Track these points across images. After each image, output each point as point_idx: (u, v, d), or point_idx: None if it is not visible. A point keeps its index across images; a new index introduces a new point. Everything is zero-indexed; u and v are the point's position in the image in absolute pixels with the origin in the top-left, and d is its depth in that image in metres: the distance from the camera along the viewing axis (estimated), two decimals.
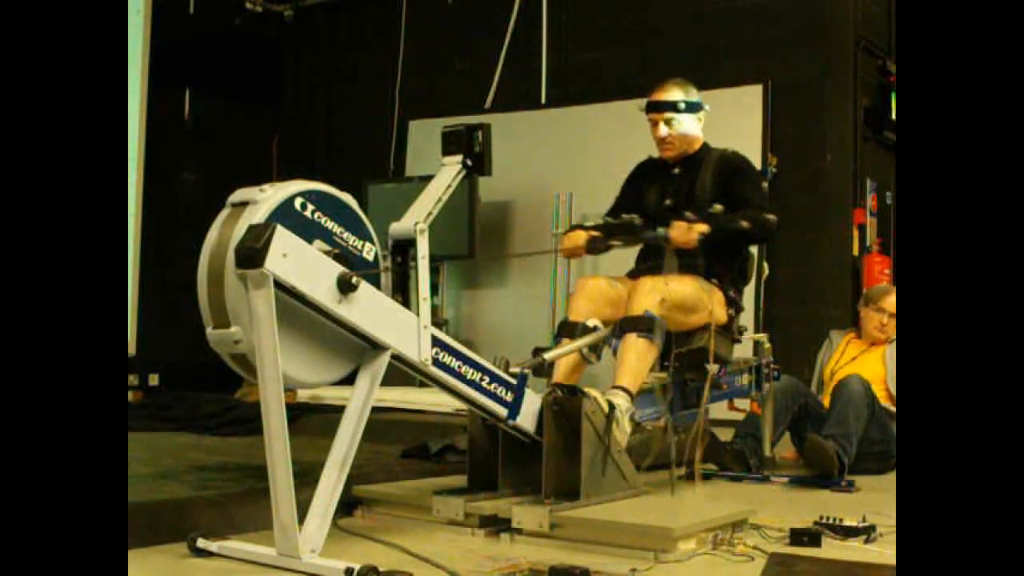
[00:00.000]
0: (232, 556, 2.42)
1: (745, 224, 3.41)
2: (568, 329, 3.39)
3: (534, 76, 6.54)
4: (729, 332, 3.60)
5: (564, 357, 3.29)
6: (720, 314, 3.48)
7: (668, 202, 3.63)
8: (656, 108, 3.65)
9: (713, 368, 3.41)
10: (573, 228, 3.63)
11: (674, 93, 3.64)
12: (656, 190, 3.69)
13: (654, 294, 3.29)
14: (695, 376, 3.44)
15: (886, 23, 6.00)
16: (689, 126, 3.66)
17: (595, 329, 3.34)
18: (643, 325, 3.24)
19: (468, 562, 2.43)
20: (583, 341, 3.28)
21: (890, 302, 4.44)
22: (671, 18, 6.11)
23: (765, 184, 3.70)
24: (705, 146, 3.71)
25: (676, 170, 3.70)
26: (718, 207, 3.41)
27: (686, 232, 3.30)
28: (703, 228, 3.30)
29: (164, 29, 6.41)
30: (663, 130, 3.63)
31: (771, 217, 3.48)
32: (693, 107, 3.66)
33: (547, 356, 3.12)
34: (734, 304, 3.61)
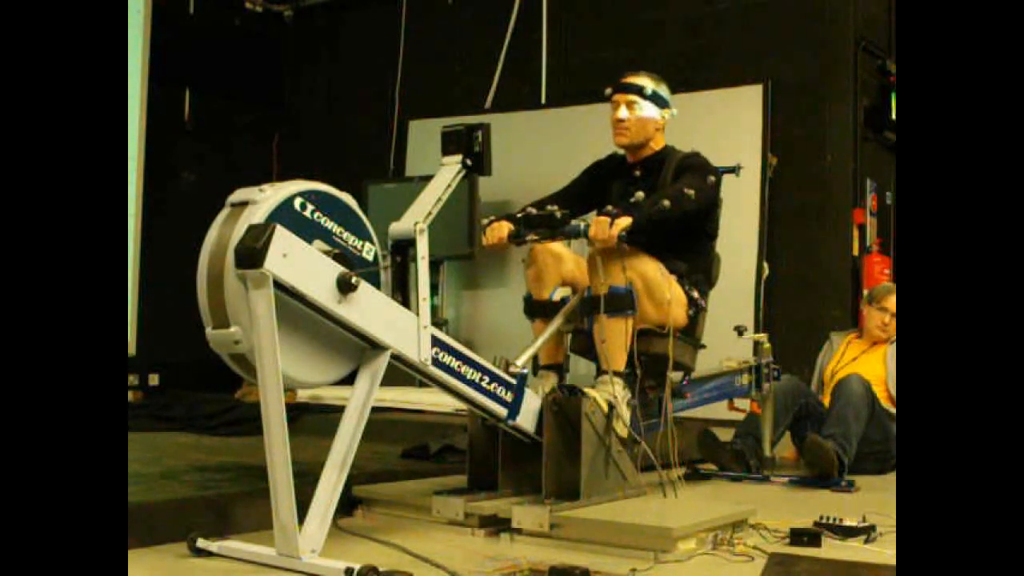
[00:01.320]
0: (232, 556, 2.42)
1: (665, 203, 3.11)
2: (536, 309, 3.32)
3: (534, 76, 6.54)
4: (691, 337, 3.41)
5: (542, 341, 3.22)
6: (678, 314, 3.30)
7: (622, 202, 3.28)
8: (621, 89, 3.50)
9: (675, 376, 3.25)
10: (500, 218, 3.37)
11: (643, 80, 3.51)
12: (618, 189, 3.52)
13: (613, 262, 3.09)
14: (655, 384, 3.28)
15: (886, 23, 5.99)
16: (649, 114, 3.47)
17: (563, 301, 3.27)
18: (613, 304, 3.09)
19: (468, 562, 2.43)
20: (553, 326, 3.23)
21: (893, 301, 4.43)
22: (671, 18, 6.11)
23: (713, 179, 3.46)
24: (668, 148, 3.55)
25: (637, 172, 3.54)
26: (640, 194, 3.16)
27: (606, 229, 3.00)
28: (624, 223, 3.01)
29: (164, 29, 6.42)
30: (622, 112, 3.47)
31: (688, 191, 3.21)
32: (658, 99, 3.49)
33: (519, 362, 2.97)
34: (695, 305, 3.39)
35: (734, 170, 3.74)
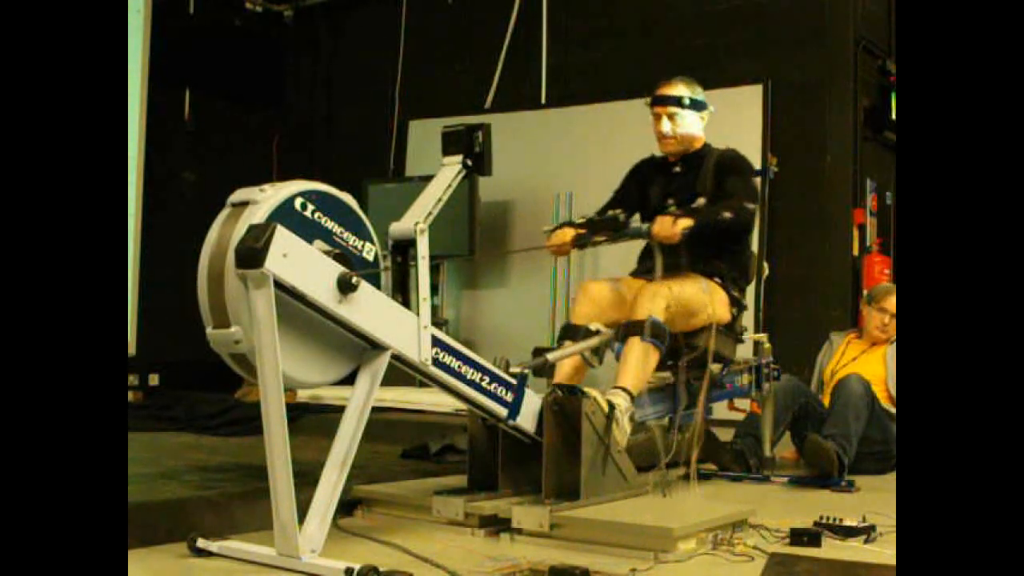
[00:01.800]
0: (232, 556, 2.42)
1: (727, 214, 3.37)
2: (571, 332, 3.38)
3: (534, 76, 6.54)
4: (732, 331, 3.60)
5: (566, 360, 3.29)
6: (723, 313, 3.48)
7: (671, 201, 3.60)
8: (661, 102, 3.63)
9: (715, 368, 3.39)
10: (561, 225, 3.62)
11: (680, 89, 3.63)
12: (658, 189, 3.68)
13: (659, 298, 3.28)
14: (698, 375, 3.44)
15: (886, 23, 5.99)
16: (691, 123, 3.65)
17: (598, 333, 3.34)
18: (647, 330, 3.23)
19: (468, 562, 2.43)
20: (585, 344, 3.28)
21: (892, 302, 4.43)
22: (671, 18, 6.11)
23: (757, 180, 3.67)
24: (707, 146, 3.70)
25: (677, 168, 3.69)
26: (701, 200, 3.39)
27: (669, 227, 3.27)
28: (686, 223, 3.27)
29: (164, 29, 6.41)
30: (665, 125, 3.62)
31: (749, 205, 3.45)
32: (697, 105, 3.65)
33: (550, 357, 3.12)
34: (737, 303, 3.60)
35: (763, 172, 3.85)
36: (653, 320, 3.24)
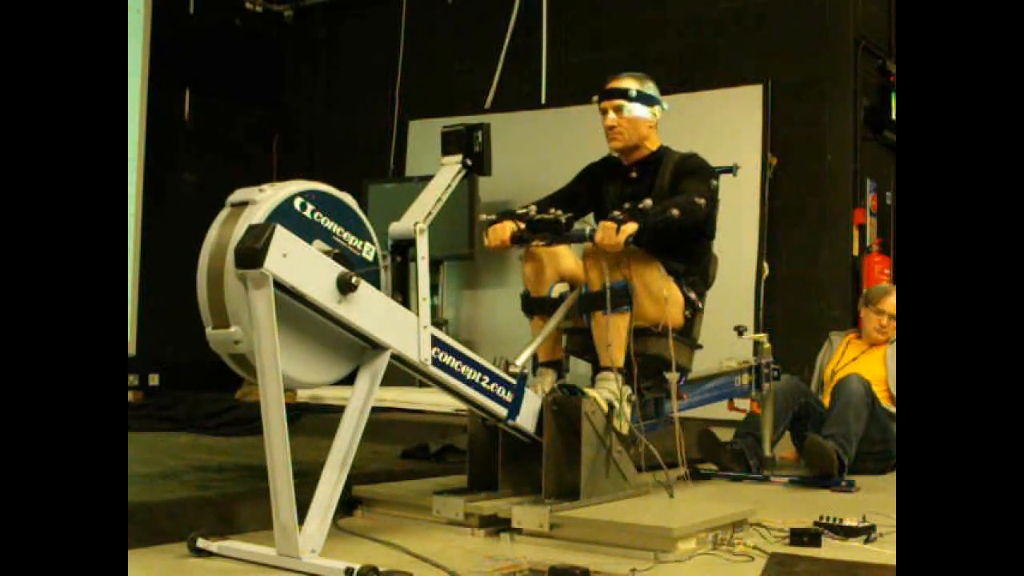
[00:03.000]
0: (232, 556, 2.42)
1: (675, 211, 3.09)
2: (532, 307, 3.31)
3: (534, 76, 6.54)
4: (688, 337, 3.40)
5: (542, 338, 3.22)
6: (675, 314, 3.29)
7: (627, 206, 3.21)
8: (606, 96, 3.46)
9: (673, 376, 3.24)
10: (502, 216, 3.34)
11: (627, 82, 3.46)
12: (614, 191, 3.49)
13: (608, 257, 3.08)
14: (651, 384, 3.27)
15: (886, 23, 6.00)
16: (639, 115, 3.43)
17: (561, 298, 3.25)
18: (612, 300, 3.08)
19: (468, 562, 2.43)
20: (552, 322, 3.21)
21: (889, 303, 4.44)
22: (671, 18, 6.11)
23: (716, 182, 3.46)
24: (663, 149, 3.50)
25: (633, 174, 3.50)
26: (648, 201, 3.12)
27: (612, 235, 2.99)
28: (631, 229, 3.00)
29: (164, 29, 6.42)
30: (611, 117, 3.43)
31: (700, 200, 3.20)
32: (645, 98, 3.45)
33: (519, 363, 2.97)
34: (692, 306, 3.38)
35: (731, 170, 3.73)
36: (611, 286, 3.08)
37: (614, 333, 3.11)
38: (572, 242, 3.27)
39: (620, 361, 3.12)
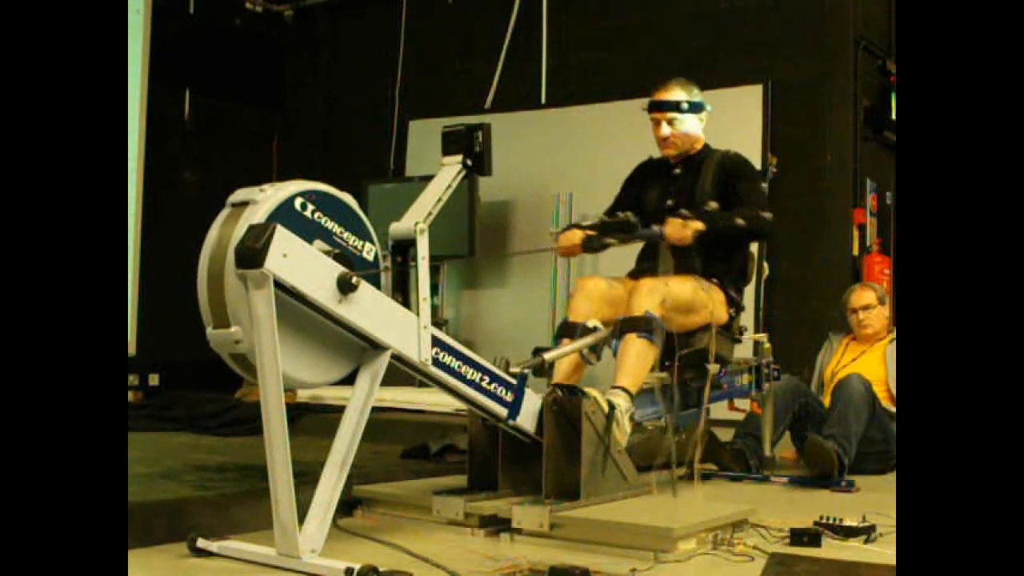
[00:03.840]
0: (232, 556, 2.42)
1: (741, 221, 3.40)
2: (568, 330, 3.38)
3: (534, 76, 6.54)
4: (730, 332, 3.60)
5: (564, 358, 3.29)
6: (720, 313, 3.48)
7: (669, 202, 3.61)
8: (659, 107, 3.64)
9: (714, 368, 3.40)
10: (570, 227, 3.62)
11: (677, 93, 3.64)
12: (657, 190, 3.69)
13: (654, 295, 3.28)
14: (695, 376, 3.43)
15: (886, 23, 6.00)
16: (691, 126, 3.66)
17: (595, 330, 3.33)
18: (643, 326, 3.23)
19: (468, 562, 2.43)
20: (583, 342, 3.28)
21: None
22: (671, 18, 6.11)
23: (765, 185, 3.69)
24: (706, 147, 3.71)
25: (677, 170, 3.70)
26: (713, 204, 3.41)
27: (681, 229, 3.30)
28: (698, 226, 3.30)
29: (164, 29, 6.41)
30: (665, 130, 3.63)
31: (767, 215, 3.48)
32: (696, 107, 3.66)
33: (547, 357, 3.11)
34: (734, 303, 3.61)
35: (763, 173, 3.84)
36: (649, 315, 3.24)
37: (636, 357, 3.22)
38: (644, 240, 3.52)
39: (633, 387, 3.20)
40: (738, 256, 3.67)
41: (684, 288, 3.39)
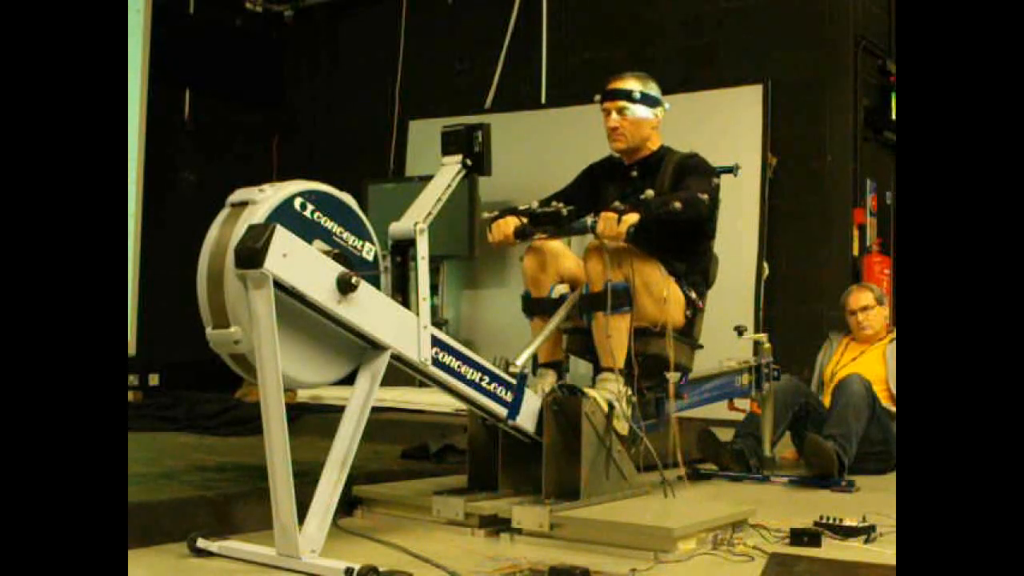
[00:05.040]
0: (232, 556, 2.42)
1: (677, 204, 3.10)
2: (535, 307, 3.30)
3: (534, 76, 6.54)
4: (689, 337, 3.41)
5: (543, 339, 3.20)
6: (675, 313, 3.30)
7: (629, 199, 3.26)
8: (609, 96, 3.45)
9: (674, 376, 3.25)
10: (504, 213, 3.36)
11: (630, 83, 3.46)
12: (612, 191, 3.47)
13: (603, 254, 3.09)
14: (652, 384, 3.26)
15: (886, 23, 6.00)
16: (642, 115, 3.43)
17: (562, 299, 3.24)
18: (609, 300, 3.08)
19: (468, 562, 2.43)
20: (556, 320, 3.19)
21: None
22: (671, 18, 6.11)
23: (717, 181, 3.45)
24: (664, 148, 3.50)
25: (634, 173, 3.50)
26: (649, 192, 3.14)
27: (614, 225, 3.00)
28: (632, 219, 3.00)
29: (164, 29, 6.42)
30: (614, 119, 3.43)
31: (702, 196, 3.20)
32: (649, 99, 3.44)
33: (519, 363, 2.95)
34: (693, 306, 3.39)
35: (732, 170, 3.74)
36: (612, 287, 3.08)
37: (614, 334, 3.11)
38: (574, 234, 3.29)
39: (620, 362, 3.12)
40: (701, 258, 3.49)
41: (643, 260, 3.18)
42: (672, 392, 3.26)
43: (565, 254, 3.32)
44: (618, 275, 3.10)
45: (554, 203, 3.25)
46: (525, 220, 3.25)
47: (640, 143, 3.48)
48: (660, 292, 3.22)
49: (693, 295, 3.40)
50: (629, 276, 3.11)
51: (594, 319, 3.15)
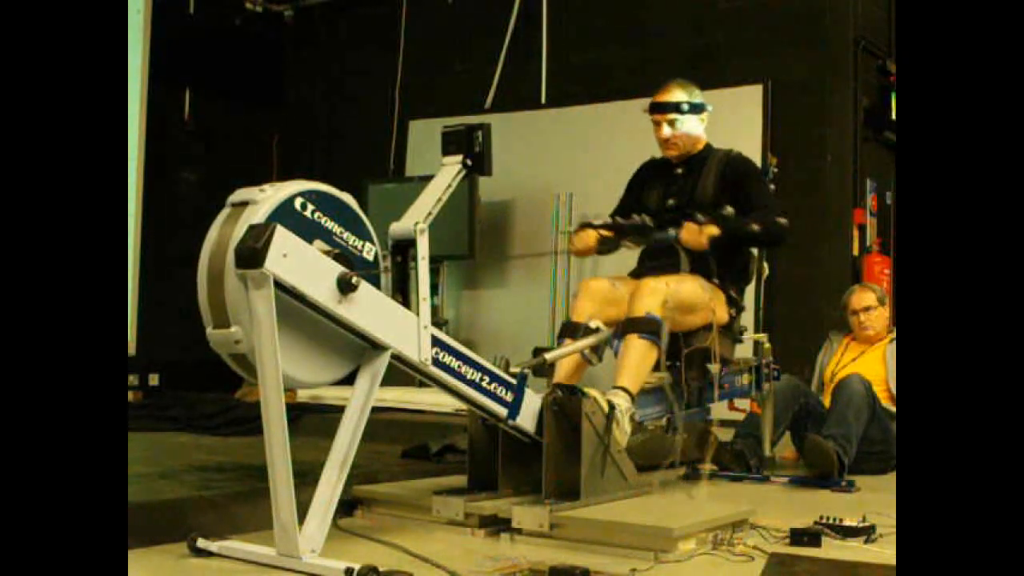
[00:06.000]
0: (232, 556, 2.42)
1: (756, 227, 3.41)
2: (570, 330, 3.38)
3: (534, 76, 6.54)
4: (731, 332, 3.61)
5: (565, 359, 3.29)
6: (722, 314, 3.49)
7: (671, 202, 3.63)
8: (660, 109, 3.65)
9: (716, 367, 3.41)
10: (583, 227, 3.62)
11: (677, 94, 3.66)
12: (659, 190, 3.69)
13: (656, 295, 3.29)
14: (696, 375, 3.43)
15: (886, 23, 5.99)
16: (692, 127, 3.67)
17: (597, 330, 3.33)
18: (645, 326, 3.24)
19: (468, 562, 2.43)
20: (584, 342, 3.28)
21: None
22: (671, 18, 6.11)
23: (772, 185, 3.69)
24: (708, 147, 3.72)
25: (679, 170, 3.70)
26: (729, 209, 3.41)
27: (697, 234, 3.32)
28: (714, 231, 3.32)
29: (164, 29, 6.41)
30: (666, 131, 3.64)
31: (783, 221, 3.49)
32: (696, 108, 3.67)
33: (548, 357, 3.11)
34: (735, 304, 3.62)
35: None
36: (650, 316, 3.24)
37: (638, 358, 3.23)
38: (658, 244, 3.52)
39: (634, 388, 3.21)
40: (740, 256, 3.67)
41: (686, 288, 3.39)
42: (715, 382, 3.44)
43: (621, 303, 3.43)
44: (660, 312, 3.26)
45: (635, 216, 3.50)
46: (607, 232, 3.50)
47: (692, 148, 3.69)
48: (705, 305, 3.41)
49: (733, 293, 3.61)
50: (669, 304, 3.28)
51: (624, 341, 3.27)
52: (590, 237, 3.51)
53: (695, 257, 3.46)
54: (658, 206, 3.62)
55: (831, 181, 5.64)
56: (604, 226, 3.52)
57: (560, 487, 2.85)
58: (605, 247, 3.49)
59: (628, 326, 3.28)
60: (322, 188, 2.52)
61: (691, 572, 2.42)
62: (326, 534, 2.38)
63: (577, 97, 6.29)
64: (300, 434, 3.53)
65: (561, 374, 3.33)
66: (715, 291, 3.50)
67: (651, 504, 2.97)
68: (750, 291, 5.45)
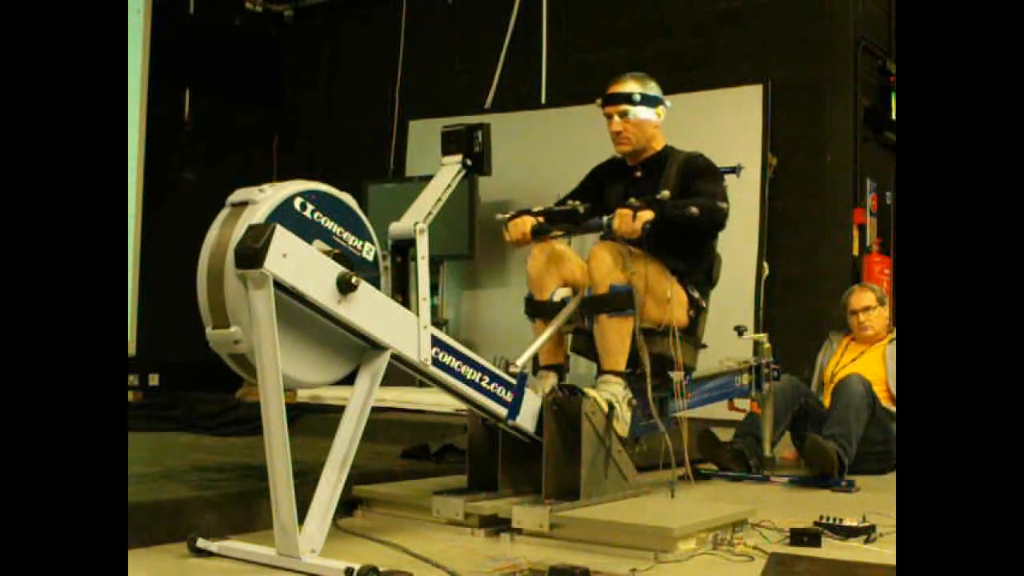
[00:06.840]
0: (232, 556, 2.42)
1: (694, 210, 3.15)
2: (539, 310, 3.30)
3: (534, 76, 6.54)
4: (692, 336, 3.43)
5: (544, 341, 3.20)
6: (679, 314, 3.31)
7: (632, 202, 3.24)
8: (610, 101, 3.46)
9: (678, 375, 3.26)
10: (520, 213, 3.39)
11: (629, 86, 3.46)
12: (618, 191, 3.49)
13: (612, 252, 3.12)
14: (657, 384, 3.24)
15: (886, 23, 5.99)
16: (644, 117, 3.43)
17: (564, 302, 3.25)
18: (615, 303, 3.11)
19: (468, 562, 2.43)
20: (553, 327, 3.20)
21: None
22: (671, 18, 6.11)
23: (725, 183, 3.47)
24: (668, 148, 3.52)
25: (638, 173, 3.52)
26: (665, 193, 3.17)
27: (629, 221, 3.06)
28: (647, 216, 3.06)
29: (164, 29, 6.41)
30: (617, 123, 3.43)
31: (723, 205, 3.26)
32: (650, 100, 3.45)
33: (519, 363, 2.96)
34: (696, 306, 3.42)
35: (735, 170, 3.75)
36: (615, 289, 3.10)
37: (616, 337, 3.13)
38: (590, 231, 3.34)
39: (622, 365, 3.14)
40: (704, 257, 3.50)
41: (646, 261, 3.19)
42: (678, 391, 3.27)
43: (569, 257, 3.34)
44: (621, 277, 3.12)
45: (570, 202, 3.31)
46: (541, 219, 3.30)
47: (645, 144, 3.49)
48: (663, 293, 3.24)
49: (696, 294, 3.41)
50: (632, 278, 3.12)
51: (596, 321, 3.17)
52: (525, 224, 3.30)
53: (652, 251, 3.24)
54: (617, 207, 3.27)
55: (831, 181, 5.64)
56: (537, 212, 3.33)
57: (560, 487, 2.86)
58: (539, 232, 3.28)
59: (594, 307, 3.15)
60: (322, 188, 2.52)
61: (691, 572, 2.42)
62: (326, 534, 2.39)
63: (577, 97, 6.28)
64: (300, 434, 3.53)
65: (545, 356, 3.28)
66: (675, 286, 3.32)
67: (651, 504, 2.97)
68: (750, 291, 5.50)
